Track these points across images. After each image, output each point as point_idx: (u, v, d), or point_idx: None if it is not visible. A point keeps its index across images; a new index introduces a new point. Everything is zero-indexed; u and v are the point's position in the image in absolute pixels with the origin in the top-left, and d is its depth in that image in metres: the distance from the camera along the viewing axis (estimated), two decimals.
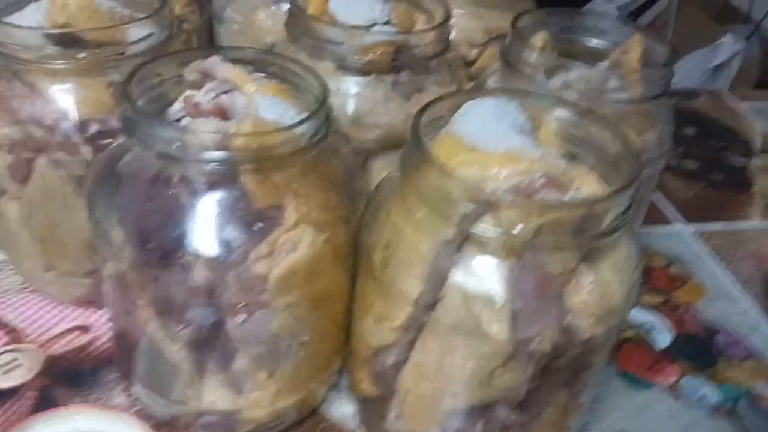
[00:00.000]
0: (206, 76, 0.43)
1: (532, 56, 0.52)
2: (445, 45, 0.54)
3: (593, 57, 0.59)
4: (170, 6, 0.60)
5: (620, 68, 0.55)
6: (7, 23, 0.45)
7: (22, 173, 0.48)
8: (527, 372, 0.38)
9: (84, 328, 0.55)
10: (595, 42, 0.59)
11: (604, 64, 0.54)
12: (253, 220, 0.38)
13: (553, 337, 0.36)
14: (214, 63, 0.42)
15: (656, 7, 1.54)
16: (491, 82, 0.56)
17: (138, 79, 0.40)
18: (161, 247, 0.38)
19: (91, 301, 0.55)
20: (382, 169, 0.55)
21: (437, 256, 0.37)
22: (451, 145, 0.37)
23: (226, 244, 0.38)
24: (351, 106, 0.52)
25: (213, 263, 0.38)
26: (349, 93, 0.51)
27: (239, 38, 0.66)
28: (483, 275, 0.36)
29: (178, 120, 0.43)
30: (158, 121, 0.37)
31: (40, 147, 0.46)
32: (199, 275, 0.39)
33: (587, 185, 0.38)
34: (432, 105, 0.41)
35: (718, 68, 1.32)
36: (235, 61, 0.43)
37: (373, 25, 0.53)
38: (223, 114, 0.42)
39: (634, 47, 0.55)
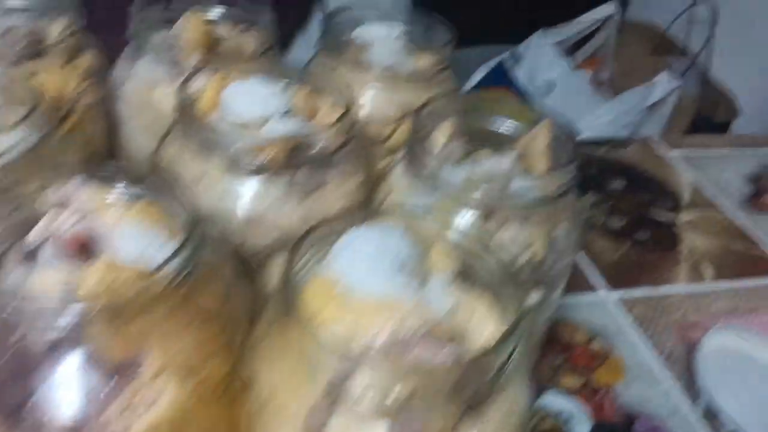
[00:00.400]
0: (67, 199, 0.39)
1: (432, 153, 0.50)
2: (348, 137, 0.51)
3: (499, 141, 0.57)
4: (57, 90, 0.58)
5: (529, 158, 0.53)
6: None
7: None
8: None
9: None
10: (505, 125, 0.57)
11: (512, 155, 0.52)
12: (108, 374, 0.35)
13: None
14: (74, 188, 0.38)
15: (595, 41, 1.54)
16: (397, 171, 0.54)
17: None
18: (8, 408, 0.34)
19: None
20: (279, 267, 0.52)
21: (312, 413, 0.34)
22: (324, 291, 0.34)
23: (78, 402, 0.34)
24: (243, 208, 0.48)
25: (67, 427, 0.35)
26: (241, 194, 0.48)
27: (138, 115, 0.62)
28: None
29: (36, 249, 0.40)
30: (12, 264, 0.34)
31: None
32: None
33: (479, 323, 0.35)
34: (310, 233, 0.38)
35: (654, 107, 1.32)
36: (103, 178, 0.40)
37: (267, 120, 0.50)
38: (84, 243, 0.38)
39: (542, 135, 0.53)
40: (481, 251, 0.40)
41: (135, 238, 0.37)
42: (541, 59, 1.45)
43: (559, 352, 0.65)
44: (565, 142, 0.52)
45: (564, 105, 1.37)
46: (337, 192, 0.51)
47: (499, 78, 1.47)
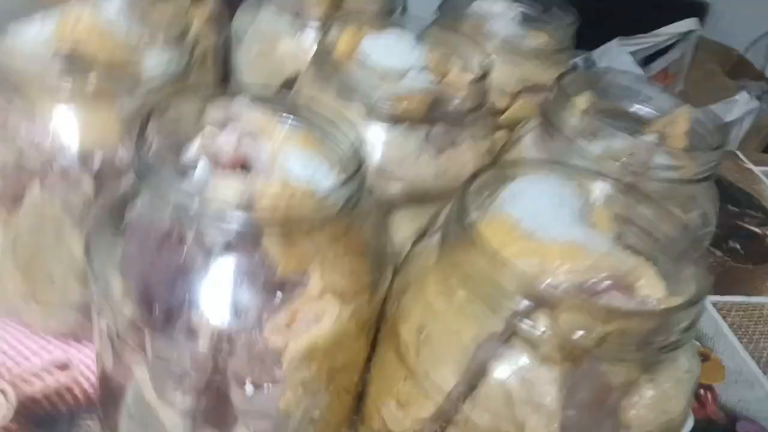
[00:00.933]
0: (229, 118, 0.38)
1: (574, 118, 0.49)
2: (483, 99, 0.50)
3: (633, 121, 0.56)
4: (189, 26, 0.57)
5: (665, 140, 0.52)
6: (11, 38, 0.40)
7: (13, 197, 0.43)
8: None
9: (63, 366, 0.50)
10: (636, 107, 0.55)
11: (651, 136, 0.51)
12: (273, 287, 0.34)
13: None
14: (241, 105, 0.38)
15: (670, 55, 1.52)
16: (528, 139, 0.53)
17: (155, 117, 0.36)
18: (167, 309, 0.34)
19: (74, 335, 0.50)
20: (402, 222, 0.51)
21: (480, 348, 0.33)
22: (506, 229, 0.33)
23: (239, 312, 0.34)
24: (377, 155, 0.47)
25: (223, 332, 0.34)
26: (378, 140, 0.47)
27: (257, 64, 0.62)
28: (532, 377, 0.32)
29: (194, 161, 0.39)
30: (176, 173, 0.33)
31: (35, 172, 0.42)
32: (206, 343, 0.34)
33: (649, 287, 0.34)
34: (480, 174, 0.37)
35: (729, 125, 1.30)
36: (266, 103, 0.39)
37: (406, 73, 0.49)
38: (244, 165, 0.38)
39: (682, 120, 0.51)
40: (647, 222, 0.39)
41: (300, 164, 0.36)
42: (615, 67, 1.44)
43: None
44: (706, 128, 0.51)
45: None
46: (468, 152, 0.50)
47: None
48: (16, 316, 0.51)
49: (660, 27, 1.52)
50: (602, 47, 1.45)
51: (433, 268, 0.36)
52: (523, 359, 0.32)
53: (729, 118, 1.28)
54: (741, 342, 0.67)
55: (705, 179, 0.48)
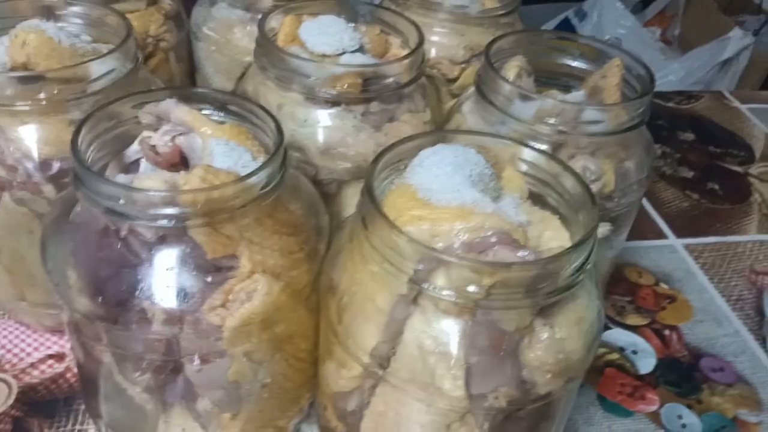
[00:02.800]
0: (162, 119, 0.42)
1: (505, 86, 0.51)
2: (418, 72, 0.53)
3: (574, 79, 0.58)
4: (142, 29, 0.60)
5: (599, 94, 0.54)
6: None
7: None
8: (484, 426, 0.37)
9: (59, 357, 0.55)
10: (575, 64, 0.57)
11: (580, 92, 0.52)
12: (207, 270, 0.38)
13: (509, 393, 0.36)
14: (169, 105, 0.41)
15: None
16: (466, 108, 0.55)
17: (90, 126, 0.40)
18: (114, 298, 0.38)
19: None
20: (353, 197, 0.54)
21: (393, 309, 0.36)
22: (405, 198, 0.36)
23: (179, 295, 0.38)
24: (320, 137, 0.51)
25: (167, 313, 0.38)
26: (318, 123, 0.50)
27: (217, 56, 0.65)
28: (437, 331, 0.35)
29: (136, 162, 0.43)
30: (102, 179, 0.36)
31: (2, 185, 0.46)
32: (155, 326, 0.38)
33: (555, 238, 0.37)
34: (391, 149, 0.40)
35: (726, 63, 1.29)
36: (192, 101, 0.43)
37: (342, 54, 0.52)
38: (180, 156, 0.41)
39: (614, 72, 0.53)
40: (551, 178, 0.41)
41: (227, 153, 0.39)
42: (607, 16, 1.43)
43: (624, 293, 0.66)
44: (637, 77, 0.52)
45: None
46: (406, 126, 0.53)
47: None
48: (12, 316, 0.57)
49: None
50: None
51: (354, 240, 0.39)
52: (429, 315, 0.35)
53: (724, 56, 1.27)
54: (712, 282, 0.68)
55: (634, 127, 0.50)
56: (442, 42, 0.63)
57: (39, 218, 0.47)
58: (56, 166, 0.45)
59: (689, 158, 0.87)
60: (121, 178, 0.38)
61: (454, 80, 0.65)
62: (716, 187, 0.83)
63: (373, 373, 0.38)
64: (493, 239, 0.34)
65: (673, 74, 1.30)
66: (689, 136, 0.91)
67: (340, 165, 0.51)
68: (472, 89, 0.56)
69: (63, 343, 0.56)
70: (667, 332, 0.62)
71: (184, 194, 0.35)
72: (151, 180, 0.36)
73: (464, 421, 0.37)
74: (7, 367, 0.53)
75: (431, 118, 0.55)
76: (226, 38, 0.63)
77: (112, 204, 0.35)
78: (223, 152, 0.39)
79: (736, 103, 1.00)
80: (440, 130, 0.46)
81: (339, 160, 0.51)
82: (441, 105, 0.63)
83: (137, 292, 0.37)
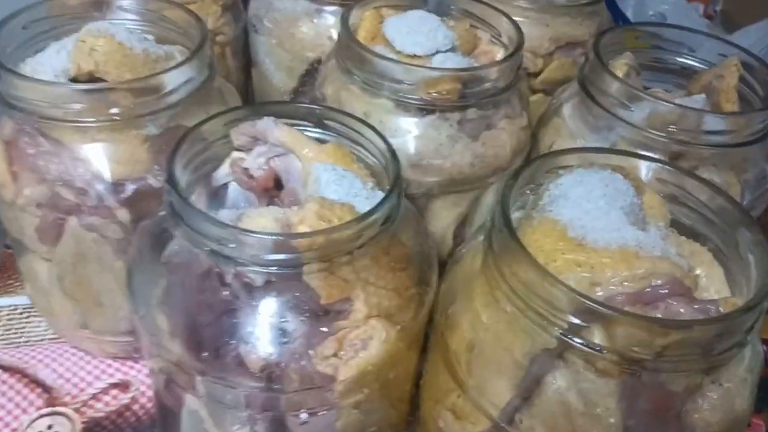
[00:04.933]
0: (255, 139, 0.37)
1: (613, 86, 0.46)
2: (518, 75, 0.48)
3: (678, 76, 0.53)
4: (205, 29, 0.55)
5: (714, 95, 0.49)
6: (27, 77, 0.39)
7: (51, 235, 0.43)
8: None
9: (124, 386, 0.51)
10: (681, 60, 0.52)
11: (700, 96, 0.47)
12: (317, 316, 0.33)
13: None
14: (268, 125, 0.36)
15: None
16: (567, 110, 0.50)
17: (183, 150, 0.35)
18: (215, 347, 0.34)
19: (130, 356, 0.51)
20: (441, 210, 0.49)
21: (534, 363, 0.32)
22: (554, 237, 0.31)
23: (286, 343, 0.33)
24: (411, 148, 0.46)
25: (272, 364, 0.34)
26: (409, 133, 0.46)
27: (278, 51, 0.60)
28: (589, 390, 0.31)
29: (225, 185, 0.38)
30: (209, 217, 0.32)
31: (70, 209, 0.41)
32: (258, 379, 0.34)
33: (708, 277, 0.32)
34: (522, 171, 0.35)
35: None
36: (284, 116, 0.38)
37: (435, 54, 0.47)
38: (276, 182, 0.37)
39: (731, 72, 0.48)
40: (690, 199, 0.37)
41: (337, 182, 0.35)
42: None
43: None
44: (759, 79, 0.48)
45: None
46: (505, 134, 0.48)
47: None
48: (73, 344, 0.52)
49: None
50: None
51: (478, 276, 0.34)
52: (580, 372, 0.31)
53: None
54: None
55: (761, 139, 0.45)
56: (524, 32, 0.58)
57: (110, 244, 0.43)
58: (131, 188, 0.41)
59: None
60: (226, 214, 0.33)
61: (537, 74, 0.60)
62: None
63: (502, 429, 0.34)
64: (665, 290, 0.29)
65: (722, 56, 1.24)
66: None
67: (431, 178, 0.47)
68: (569, 90, 0.51)
69: (126, 370, 0.51)
70: (765, 348, 0.58)
71: (299, 238, 0.31)
72: (262, 218, 0.32)
73: None
74: (67, 399, 0.49)
75: (528, 122, 0.50)
76: (289, 32, 0.58)
77: (218, 247, 0.31)
78: (333, 180, 0.35)
79: None
80: (583, 149, 0.41)
81: (432, 174, 0.46)
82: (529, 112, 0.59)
83: (241, 341, 0.33)
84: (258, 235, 0.30)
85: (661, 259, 0.30)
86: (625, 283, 0.30)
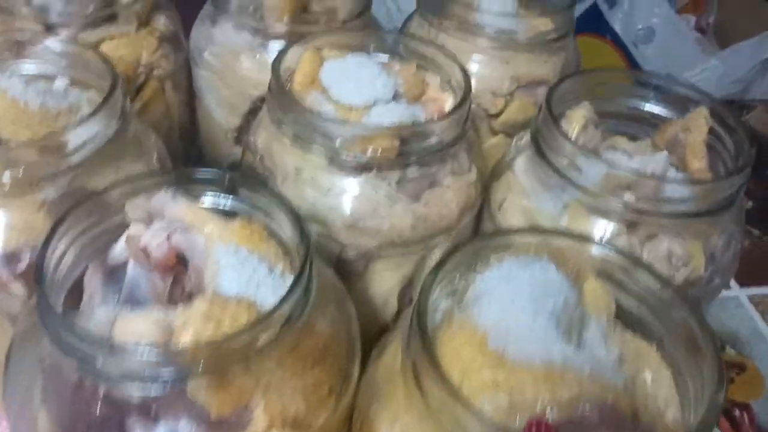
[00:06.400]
0: (153, 214, 0.33)
1: (565, 145, 0.42)
2: (464, 127, 0.44)
3: (646, 125, 0.49)
4: (132, 58, 0.51)
5: (679, 149, 0.45)
6: None
7: None
8: None
9: None
10: (650, 109, 0.48)
11: (661, 155, 0.43)
12: (211, 430, 0.29)
13: None
14: (164, 201, 0.32)
15: None
16: (518, 165, 0.46)
17: (67, 226, 0.31)
18: None
19: None
20: (383, 272, 0.45)
21: None
22: (472, 348, 0.28)
23: None
24: (347, 208, 0.42)
25: None
26: (345, 192, 0.42)
27: (219, 87, 0.56)
28: None
29: (123, 264, 0.34)
30: (70, 326, 0.27)
31: None
32: None
33: (657, 384, 0.29)
34: (446, 261, 0.31)
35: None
36: (194, 183, 0.34)
37: (374, 104, 0.43)
38: (179, 261, 0.33)
39: (699, 125, 0.44)
40: (636, 285, 0.33)
41: (236, 267, 0.31)
42: (639, 2, 1.32)
43: None
44: (730, 133, 0.44)
45: (665, 56, 1.24)
46: (450, 192, 0.44)
47: (593, 23, 1.34)
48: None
49: None
50: None
51: (397, 378, 0.31)
52: None
53: (765, 55, 1.17)
54: None
55: (728, 205, 0.41)
56: (483, 72, 0.54)
57: (9, 318, 0.39)
58: (25, 258, 0.37)
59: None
60: (102, 313, 0.29)
61: (497, 115, 0.56)
62: None
63: None
64: (595, 418, 0.25)
65: (710, 72, 1.20)
66: None
67: (370, 241, 0.43)
68: (525, 138, 0.47)
69: None
70: (737, 413, 0.54)
71: (182, 351, 0.27)
72: (139, 322, 0.28)
73: None
74: None
75: (477, 177, 0.46)
76: (230, 67, 0.54)
77: (85, 360, 0.27)
78: (232, 265, 0.31)
79: None
80: (505, 231, 0.37)
81: (369, 236, 0.42)
82: (481, 144, 0.54)
83: None
84: (128, 353, 0.26)
85: (591, 379, 0.26)
86: (549, 410, 0.26)
